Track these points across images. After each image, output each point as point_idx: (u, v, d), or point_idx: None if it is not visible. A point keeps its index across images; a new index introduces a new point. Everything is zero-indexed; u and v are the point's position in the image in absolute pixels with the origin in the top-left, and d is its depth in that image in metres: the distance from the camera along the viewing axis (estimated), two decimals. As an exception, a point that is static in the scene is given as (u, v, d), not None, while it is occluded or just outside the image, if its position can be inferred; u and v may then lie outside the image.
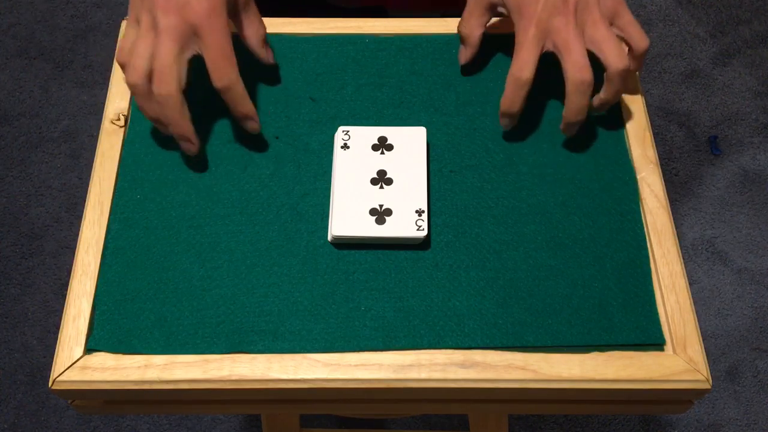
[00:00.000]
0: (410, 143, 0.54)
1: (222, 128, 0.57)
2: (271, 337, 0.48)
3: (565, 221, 0.53)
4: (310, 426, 1.15)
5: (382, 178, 0.53)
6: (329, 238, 0.52)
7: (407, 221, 0.51)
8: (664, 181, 0.55)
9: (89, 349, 0.48)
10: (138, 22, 0.51)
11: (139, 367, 0.47)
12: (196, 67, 0.51)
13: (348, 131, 0.55)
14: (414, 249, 0.51)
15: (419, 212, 0.51)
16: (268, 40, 0.58)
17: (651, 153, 0.56)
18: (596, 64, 0.52)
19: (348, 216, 0.51)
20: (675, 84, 1.56)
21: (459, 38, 0.58)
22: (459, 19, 0.58)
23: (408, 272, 0.51)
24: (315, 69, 0.60)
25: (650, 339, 0.48)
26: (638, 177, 0.55)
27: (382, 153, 0.54)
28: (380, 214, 0.51)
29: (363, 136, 0.55)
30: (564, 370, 0.47)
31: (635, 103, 0.58)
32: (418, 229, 0.50)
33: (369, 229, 0.51)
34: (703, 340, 1.18)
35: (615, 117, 0.57)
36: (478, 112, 0.58)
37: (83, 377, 0.47)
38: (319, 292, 0.50)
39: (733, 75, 1.57)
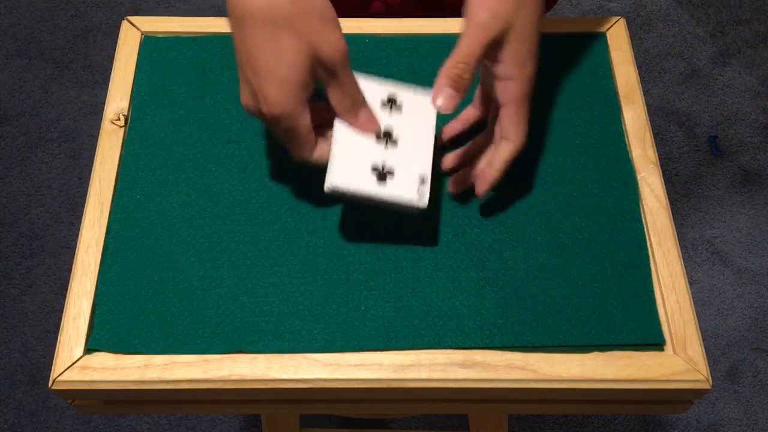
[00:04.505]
0: (421, 107, 0.51)
1: (222, 128, 0.57)
2: (271, 337, 0.48)
3: (565, 221, 0.53)
4: (310, 426, 1.15)
5: (388, 137, 0.49)
6: (325, 189, 0.48)
7: (408, 185, 0.48)
8: (664, 181, 0.54)
9: (89, 349, 0.48)
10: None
11: (139, 367, 0.47)
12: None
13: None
14: (413, 244, 0.51)
15: (422, 179, 0.48)
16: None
17: (651, 153, 0.56)
18: None
19: (347, 168, 0.48)
20: (675, 84, 1.56)
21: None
22: (459, 19, 0.56)
23: (408, 272, 0.51)
24: (315, 69, 0.59)
25: (650, 339, 0.48)
26: (638, 177, 0.55)
27: (391, 110, 0.50)
28: (381, 173, 0.48)
29: (372, 90, 0.50)
30: (564, 370, 0.47)
31: (635, 103, 0.58)
32: (419, 197, 0.48)
33: (368, 185, 0.47)
34: (703, 340, 1.18)
35: (615, 117, 0.57)
36: (478, 112, 0.58)
37: (83, 377, 0.47)
38: (319, 292, 0.50)
39: (733, 75, 1.57)
